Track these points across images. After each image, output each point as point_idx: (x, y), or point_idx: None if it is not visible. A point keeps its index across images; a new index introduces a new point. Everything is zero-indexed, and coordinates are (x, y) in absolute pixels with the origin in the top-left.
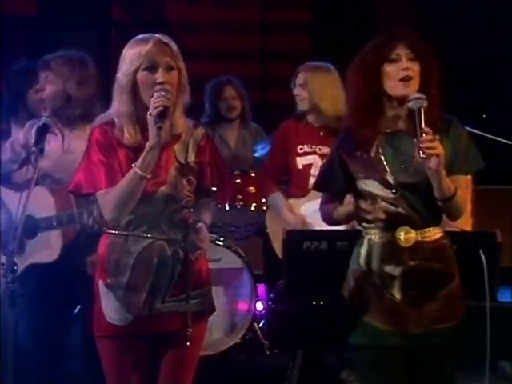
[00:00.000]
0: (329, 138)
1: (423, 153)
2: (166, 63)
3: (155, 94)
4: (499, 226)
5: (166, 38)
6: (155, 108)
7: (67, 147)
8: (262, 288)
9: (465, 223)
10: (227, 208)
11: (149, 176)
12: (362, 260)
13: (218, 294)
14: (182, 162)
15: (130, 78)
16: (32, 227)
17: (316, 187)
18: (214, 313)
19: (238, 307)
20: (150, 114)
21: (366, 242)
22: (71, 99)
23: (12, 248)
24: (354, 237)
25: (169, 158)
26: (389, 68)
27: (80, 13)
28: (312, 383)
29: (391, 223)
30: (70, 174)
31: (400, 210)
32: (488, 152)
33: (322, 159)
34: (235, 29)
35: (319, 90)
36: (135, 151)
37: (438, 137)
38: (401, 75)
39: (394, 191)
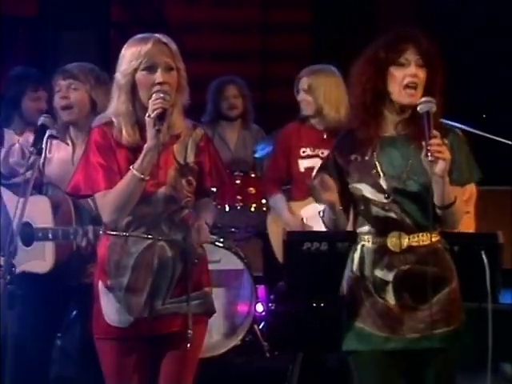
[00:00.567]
0: (332, 141)
1: (431, 155)
2: (166, 63)
3: (153, 96)
4: (500, 227)
5: (165, 38)
6: (154, 110)
7: (77, 158)
8: (262, 289)
9: (468, 227)
10: (227, 209)
11: (147, 178)
12: (354, 266)
13: (217, 296)
14: (182, 162)
15: (128, 78)
16: (29, 235)
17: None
18: (214, 315)
19: (237, 309)
20: (148, 116)
21: (359, 247)
22: (96, 107)
23: (11, 249)
24: (355, 238)
25: (168, 158)
26: (396, 72)
27: (79, 13)
28: None
29: (383, 228)
30: None
31: (392, 214)
32: (488, 152)
33: None
34: (235, 29)
35: (323, 93)
36: (134, 151)
37: (446, 141)
38: (407, 81)
39: (386, 196)
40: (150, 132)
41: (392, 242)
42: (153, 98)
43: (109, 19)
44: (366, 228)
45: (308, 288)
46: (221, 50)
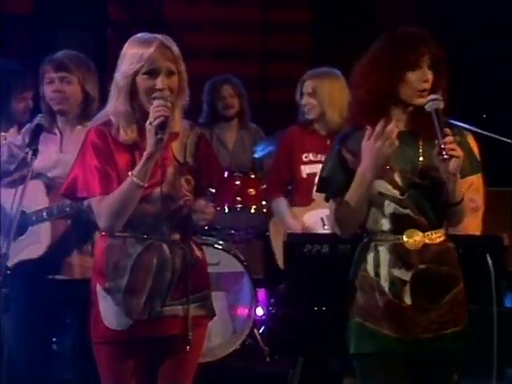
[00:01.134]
0: None
1: (446, 154)
2: (167, 68)
3: (155, 102)
4: (504, 229)
5: (168, 41)
6: (156, 118)
7: (65, 147)
8: (262, 293)
9: (475, 231)
10: (226, 210)
11: (146, 185)
12: (369, 265)
13: (216, 299)
14: (181, 161)
15: (128, 81)
16: (22, 223)
17: (318, 188)
18: (213, 318)
19: (237, 312)
20: (150, 123)
21: (372, 246)
22: (89, 98)
23: (5, 250)
24: (356, 240)
25: (166, 156)
26: (411, 76)
27: (76, 11)
28: None
29: (399, 226)
30: (65, 173)
31: (409, 211)
32: (492, 153)
33: None
34: (235, 28)
35: (328, 97)
36: (132, 150)
37: (458, 138)
38: (421, 87)
39: (402, 192)
40: (150, 139)
41: (409, 239)
42: (154, 105)
43: (106, 18)
44: (379, 226)
45: (309, 291)
46: (220, 49)
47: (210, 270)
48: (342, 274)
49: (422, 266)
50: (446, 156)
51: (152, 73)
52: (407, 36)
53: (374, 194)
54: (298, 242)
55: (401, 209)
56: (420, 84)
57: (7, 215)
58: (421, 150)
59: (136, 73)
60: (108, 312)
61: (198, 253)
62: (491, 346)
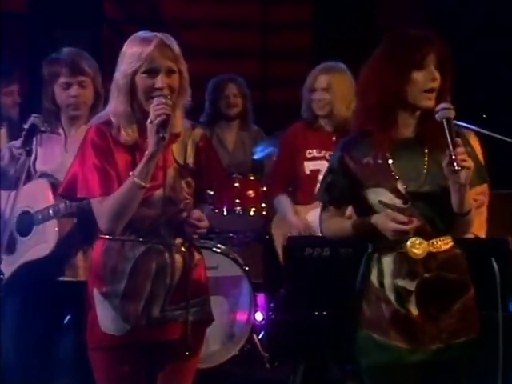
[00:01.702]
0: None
1: (457, 165)
2: (167, 67)
3: (155, 101)
4: (508, 232)
5: (168, 40)
6: (157, 116)
7: (69, 146)
8: (261, 297)
9: (479, 229)
10: (225, 213)
11: (147, 185)
12: (373, 276)
13: (215, 304)
14: (181, 163)
15: (128, 80)
16: (27, 223)
17: (318, 197)
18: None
19: (236, 317)
20: (150, 122)
21: (375, 257)
22: (100, 98)
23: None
24: (358, 243)
25: (167, 158)
26: (417, 76)
27: (71, 9)
28: None
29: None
30: None
31: None
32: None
33: None
34: (234, 26)
35: (341, 92)
36: (132, 151)
37: (469, 148)
38: (429, 86)
39: (405, 201)
40: (151, 138)
41: (412, 248)
42: (154, 103)
43: (102, 16)
44: (382, 235)
45: (309, 295)
46: (219, 48)
47: (209, 273)
48: (344, 277)
49: (427, 275)
50: (457, 168)
51: (151, 72)
52: (412, 36)
53: (375, 203)
54: (298, 245)
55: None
56: (427, 83)
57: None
58: (427, 157)
59: (135, 72)
60: (105, 317)
61: (197, 257)
62: (496, 352)
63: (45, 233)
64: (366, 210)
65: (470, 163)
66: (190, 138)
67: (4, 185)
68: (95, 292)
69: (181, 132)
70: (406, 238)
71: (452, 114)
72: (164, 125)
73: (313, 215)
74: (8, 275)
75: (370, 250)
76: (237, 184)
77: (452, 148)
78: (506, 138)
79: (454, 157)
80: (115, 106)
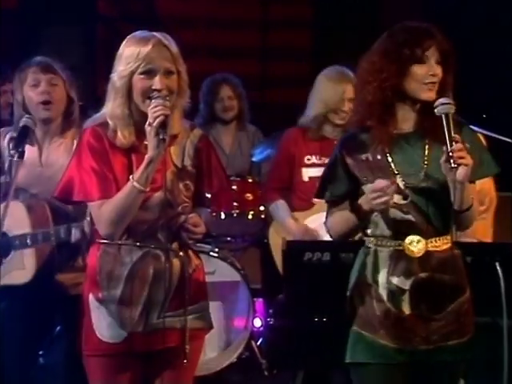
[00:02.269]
0: None
1: (454, 162)
2: (165, 68)
3: (153, 102)
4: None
5: (166, 39)
6: (155, 118)
7: (45, 160)
8: (260, 303)
9: (484, 234)
10: (223, 216)
11: (147, 190)
12: (367, 271)
13: (212, 310)
14: (179, 165)
15: (125, 81)
16: (5, 245)
17: (317, 194)
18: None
19: (234, 324)
20: (149, 124)
21: (371, 251)
22: (73, 105)
23: None
24: (359, 248)
25: (165, 160)
26: (418, 69)
27: (64, 6)
28: None
29: (400, 231)
30: (48, 188)
31: (410, 217)
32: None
33: None
34: (233, 25)
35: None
36: (129, 154)
37: (467, 145)
38: (429, 80)
39: (404, 196)
40: (151, 141)
41: (410, 246)
42: (152, 105)
43: (96, 13)
44: (380, 231)
45: (309, 301)
46: (217, 47)
47: (206, 279)
48: (344, 283)
49: (422, 275)
50: (453, 165)
51: (149, 72)
52: (413, 29)
53: None
54: (298, 249)
55: (402, 214)
56: (427, 76)
57: None
58: (426, 152)
59: (132, 73)
60: (101, 323)
61: (196, 262)
62: (501, 359)
63: (23, 260)
64: None
65: (467, 160)
66: (189, 140)
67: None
68: (91, 298)
69: (179, 134)
70: (405, 235)
71: (452, 109)
72: (163, 126)
73: (313, 220)
74: None
75: (366, 245)
76: (235, 187)
77: (449, 144)
78: (506, 139)
79: (451, 153)
80: (112, 107)
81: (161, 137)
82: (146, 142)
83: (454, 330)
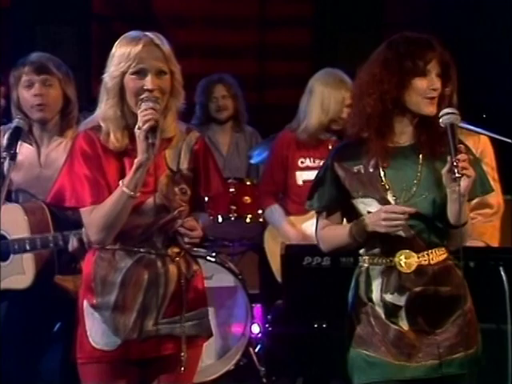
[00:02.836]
0: None
1: (458, 172)
2: (157, 68)
3: (143, 105)
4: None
5: (158, 39)
6: (144, 122)
7: (44, 160)
8: (258, 309)
9: (492, 237)
10: (220, 220)
11: (138, 195)
12: (361, 291)
13: (209, 316)
14: (174, 169)
15: (116, 82)
16: (4, 248)
17: (308, 205)
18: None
19: (231, 330)
20: (139, 128)
21: (363, 270)
22: (70, 104)
23: None
24: (359, 252)
25: (159, 164)
26: (419, 82)
27: (57, 4)
28: None
29: (391, 247)
30: (48, 189)
31: (401, 233)
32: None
33: None
34: (230, 23)
35: None
36: (121, 157)
37: (471, 156)
38: (430, 94)
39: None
40: (140, 145)
41: (401, 262)
42: (142, 108)
43: (90, 12)
44: (370, 248)
45: (309, 307)
46: (214, 46)
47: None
48: (344, 288)
49: (416, 289)
50: (457, 174)
51: (140, 73)
52: (414, 41)
53: (364, 213)
54: (297, 254)
55: None
56: (427, 91)
57: None
58: (419, 168)
59: (124, 73)
60: (95, 330)
61: (194, 267)
62: (505, 366)
63: (23, 265)
64: (356, 219)
65: (471, 172)
66: (185, 143)
67: None
68: (85, 304)
69: (174, 137)
70: (395, 250)
71: (457, 119)
72: (153, 130)
73: (309, 226)
74: None
75: (359, 264)
76: (232, 189)
77: (454, 154)
78: (507, 139)
79: (455, 163)
80: (104, 109)
81: (150, 141)
82: None
83: (459, 343)
